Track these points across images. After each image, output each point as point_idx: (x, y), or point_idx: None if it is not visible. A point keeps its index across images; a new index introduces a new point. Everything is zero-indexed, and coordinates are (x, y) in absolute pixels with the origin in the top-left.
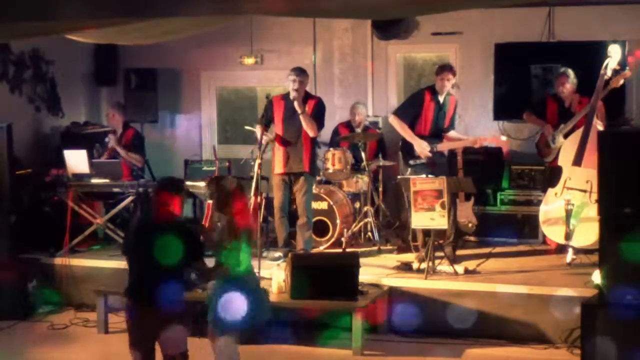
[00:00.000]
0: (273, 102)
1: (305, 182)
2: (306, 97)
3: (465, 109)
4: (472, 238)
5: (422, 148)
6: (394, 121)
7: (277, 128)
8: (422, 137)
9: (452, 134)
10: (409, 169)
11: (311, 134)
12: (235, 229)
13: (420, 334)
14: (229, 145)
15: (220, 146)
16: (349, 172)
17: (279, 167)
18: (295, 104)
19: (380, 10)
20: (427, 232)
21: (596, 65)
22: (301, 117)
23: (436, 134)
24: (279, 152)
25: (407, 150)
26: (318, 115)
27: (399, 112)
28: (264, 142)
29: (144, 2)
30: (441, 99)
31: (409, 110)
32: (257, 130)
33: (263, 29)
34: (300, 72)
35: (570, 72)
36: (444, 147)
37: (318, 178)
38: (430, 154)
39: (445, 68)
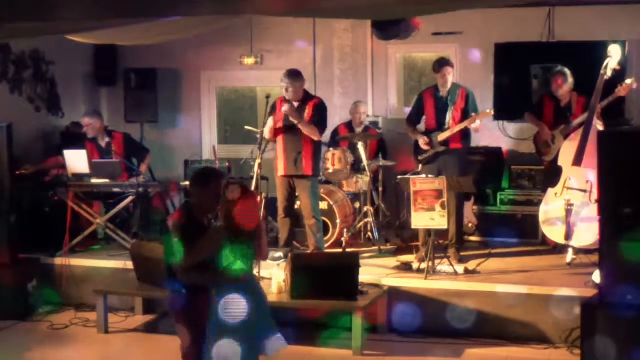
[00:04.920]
0: (276, 103)
1: (308, 184)
2: (306, 98)
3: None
4: (472, 238)
5: (421, 141)
6: (405, 126)
7: (279, 130)
8: (428, 131)
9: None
10: (420, 166)
11: (315, 139)
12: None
13: (420, 334)
14: (229, 145)
15: (220, 146)
16: (349, 172)
17: (280, 170)
18: (291, 118)
19: (380, 10)
20: (427, 232)
21: (596, 65)
22: (300, 127)
23: (442, 127)
24: (280, 155)
25: (416, 146)
26: (319, 118)
27: (408, 117)
28: (263, 144)
29: (144, 2)
30: (444, 92)
31: (413, 113)
32: (266, 130)
33: (263, 29)
34: (291, 76)
35: (566, 71)
36: (444, 135)
37: (318, 178)
38: (427, 140)
39: (442, 63)
